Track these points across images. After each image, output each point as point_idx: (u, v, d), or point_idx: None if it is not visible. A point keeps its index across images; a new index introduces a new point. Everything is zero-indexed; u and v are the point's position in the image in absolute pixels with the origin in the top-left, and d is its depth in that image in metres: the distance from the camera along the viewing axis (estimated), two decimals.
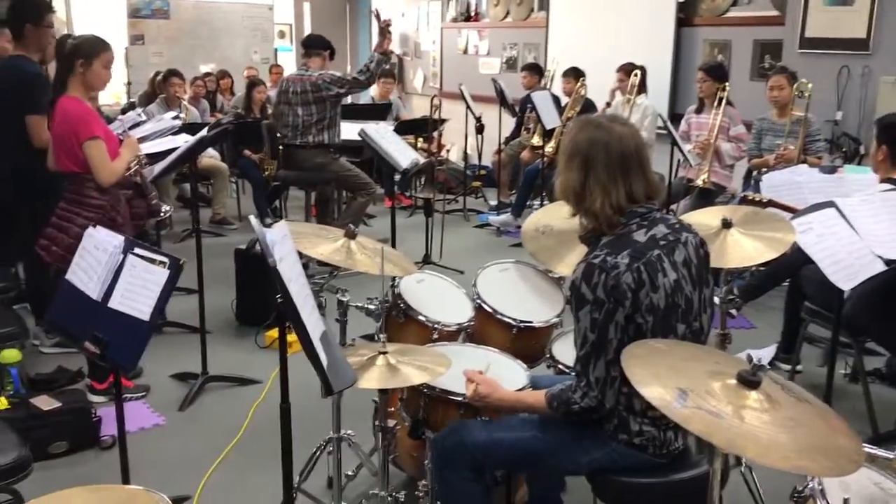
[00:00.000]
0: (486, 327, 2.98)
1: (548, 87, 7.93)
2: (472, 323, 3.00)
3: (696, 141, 5.65)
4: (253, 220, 2.06)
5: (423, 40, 11.27)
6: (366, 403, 3.25)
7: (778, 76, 5.28)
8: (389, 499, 2.50)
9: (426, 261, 5.97)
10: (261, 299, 4.75)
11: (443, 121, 8.18)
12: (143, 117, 5.21)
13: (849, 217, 3.00)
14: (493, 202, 8.05)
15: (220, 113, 8.37)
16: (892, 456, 1.71)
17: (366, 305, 2.82)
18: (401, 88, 10.93)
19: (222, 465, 3.31)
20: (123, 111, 7.22)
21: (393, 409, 2.65)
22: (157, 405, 3.83)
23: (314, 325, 1.92)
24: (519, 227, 7.05)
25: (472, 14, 10.26)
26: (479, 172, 8.84)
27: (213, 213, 7.32)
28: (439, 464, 2.33)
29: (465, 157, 8.50)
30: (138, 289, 2.32)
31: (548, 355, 2.87)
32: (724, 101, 5.53)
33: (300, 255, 2.21)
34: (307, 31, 11.50)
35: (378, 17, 5.86)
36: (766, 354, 4.00)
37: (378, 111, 7.96)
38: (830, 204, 3.05)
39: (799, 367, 4.09)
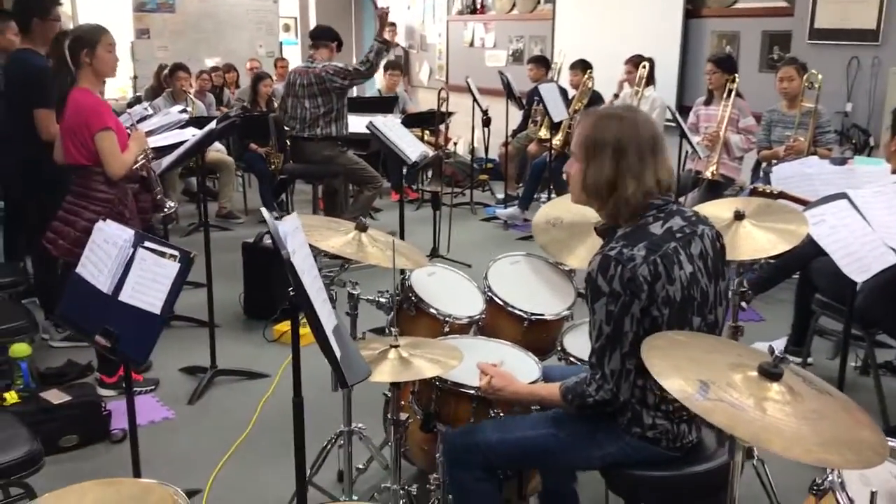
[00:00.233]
0: (497, 320, 2.97)
1: (555, 79, 7.90)
2: (483, 316, 2.98)
3: (705, 133, 5.63)
4: (265, 212, 2.05)
5: (429, 33, 11.24)
6: (376, 397, 3.25)
7: (788, 67, 5.25)
8: (402, 492, 2.49)
9: (434, 254, 5.95)
10: (269, 293, 4.75)
11: (450, 114, 8.16)
12: (150, 111, 5.21)
13: (861, 209, 2.98)
14: (501, 195, 8.03)
15: (227, 107, 8.36)
16: None
17: (377, 298, 2.81)
18: (406, 81, 10.90)
19: (232, 459, 3.31)
20: (130, 105, 7.21)
21: (404, 402, 2.64)
22: (166, 399, 3.83)
23: (327, 317, 1.91)
24: (526, 220, 7.05)
25: (478, 6, 10.23)
26: (486, 165, 8.82)
27: (219, 206, 7.32)
28: (451, 464, 2.32)
29: (472, 150, 8.48)
30: (149, 282, 2.31)
31: (559, 348, 2.86)
32: (733, 93, 5.50)
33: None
34: (312, 24, 11.46)
35: (376, 5, 5.83)
36: (776, 347, 3.98)
37: (384, 104, 7.94)
38: (843, 195, 3.03)
39: (809, 360, 4.08)
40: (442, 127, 8.17)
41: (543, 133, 7.34)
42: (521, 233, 6.93)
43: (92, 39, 3.48)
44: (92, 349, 3.89)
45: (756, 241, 2.79)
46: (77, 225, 3.48)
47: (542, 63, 7.95)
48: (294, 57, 11.85)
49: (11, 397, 3.29)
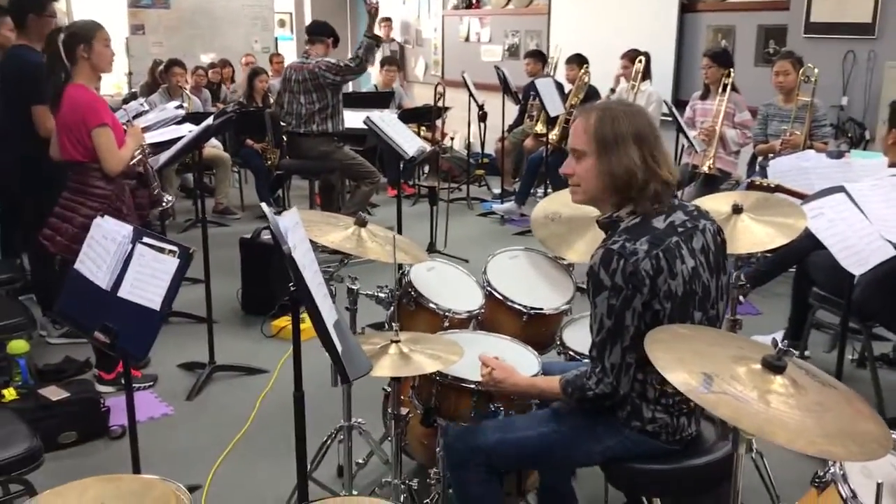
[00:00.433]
0: (496, 314, 2.97)
1: (551, 74, 7.90)
2: (482, 310, 2.99)
3: (701, 127, 5.63)
4: (265, 207, 2.04)
5: (425, 28, 11.22)
6: (375, 392, 3.25)
7: (783, 61, 5.25)
8: (402, 487, 2.49)
9: (431, 249, 5.96)
10: (266, 289, 4.75)
11: (446, 109, 8.15)
12: (146, 107, 5.20)
13: (859, 202, 2.98)
14: (497, 190, 8.03)
15: (223, 103, 8.35)
16: None
17: (376, 293, 2.81)
18: (402, 77, 10.88)
19: (231, 455, 3.31)
20: (125, 101, 7.19)
21: (404, 397, 2.64)
22: (164, 395, 3.82)
23: (328, 312, 1.91)
24: (523, 215, 7.05)
25: (474, 1, 10.22)
26: (482, 161, 8.82)
27: (215, 202, 7.31)
28: (454, 466, 2.32)
29: (469, 145, 8.48)
30: (148, 278, 2.31)
31: (558, 342, 2.86)
32: (728, 87, 5.50)
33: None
34: (308, 19, 11.44)
35: (366, 0, 5.81)
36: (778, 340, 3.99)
37: (381, 99, 7.93)
38: (840, 189, 3.03)
39: (807, 353, 4.09)
40: (438, 122, 8.16)
41: (540, 128, 7.35)
42: (517, 228, 6.93)
43: (88, 34, 3.46)
44: (89, 346, 3.89)
45: (754, 234, 2.79)
46: (74, 221, 3.47)
47: (539, 57, 7.95)
48: (290, 52, 11.83)
49: (10, 394, 3.29)
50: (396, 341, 2.28)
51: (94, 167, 3.50)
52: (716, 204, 2.92)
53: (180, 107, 5.47)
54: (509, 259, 3.22)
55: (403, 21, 11.61)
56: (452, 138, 9.36)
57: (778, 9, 6.39)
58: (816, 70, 5.10)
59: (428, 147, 5.49)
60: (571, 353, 2.74)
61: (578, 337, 2.80)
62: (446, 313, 2.88)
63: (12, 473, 2.41)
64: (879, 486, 1.24)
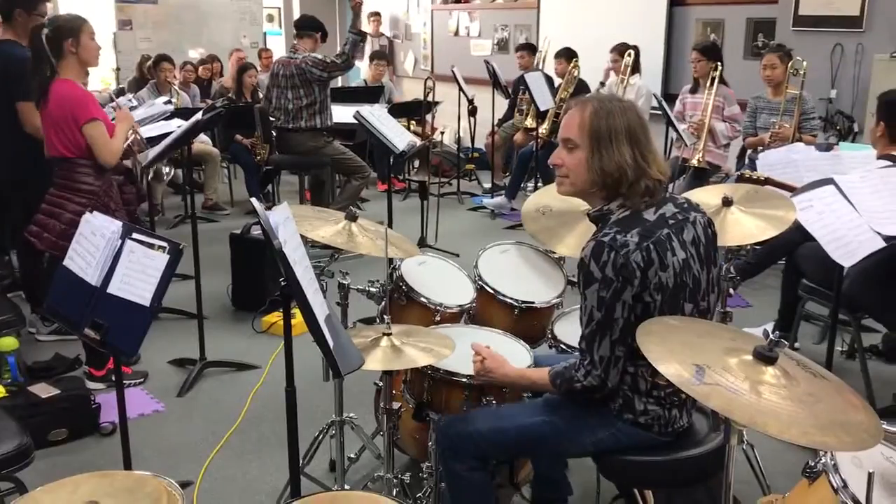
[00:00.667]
0: (488, 308, 2.97)
1: (540, 67, 7.89)
2: (473, 304, 2.98)
3: (691, 121, 5.65)
4: (255, 202, 2.04)
5: (414, 22, 11.20)
6: (367, 387, 3.25)
7: (771, 55, 5.27)
8: (395, 481, 2.49)
9: (422, 244, 5.95)
10: (257, 284, 4.73)
11: (436, 103, 8.14)
12: (135, 102, 5.18)
13: (848, 194, 3.00)
14: (487, 185, 8.03)
15: (214, 98, 8.31)
16: None
17: (367, 288, 2.80)
18: (392, 71, 10.86)
19: (223, 451, 3.30)
20: (117, 95, 7.15)
21: (396, 391, 2.64)
22: (155, 391, 3.81)
23: (319, 307, 1.90)
24: (513, 209, 7.05)
25: None
26: (472, 155, 8.81)
27: (204, 198, 7.28)
28: (445, 454, 2.32)
29: (459, 139, 8.47)
30: (138, 274, 2.29)
31: (549, 335, 2.86)
32: (717, 81, 5.51)
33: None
34: (296, 14, 11.39)
35: None
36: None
37: (370, 94, 7.91)
38: (829, 181, 3.04)
39: (797, 345, 4.11)
40: (428, 117, 8.15)
41: (530, 122, 7.34)
42: (508, 222, 6.93)
43: (74, 28, 3.44)
44: (79, 342, 3.87)
45: (744, 227, 2.80)
46: (62, 217, 3.45)
47: (532, 51, 7.95)
48: (278, 48, 11.78)
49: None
50: (388, 334, 2.28)
51: (81, 163, 3.47)
52: (705, 197, 2.93)
53: (169, 102, 5.45)
54: (500, 253, 3.22)
55: (392, 16, 11.59)
56: (442, 133, 9.34)
57: (766, 2, 6.40)
58: (805, 63, 5.11)
59: (418, 142, 5.48)
60: (563, 346, 2.74)
61: (570, 330, 2.79)
62: (437, 307, 2.88)
63: (2, 471, 2.40)
64: (871, 475, 1.25)
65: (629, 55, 6.53)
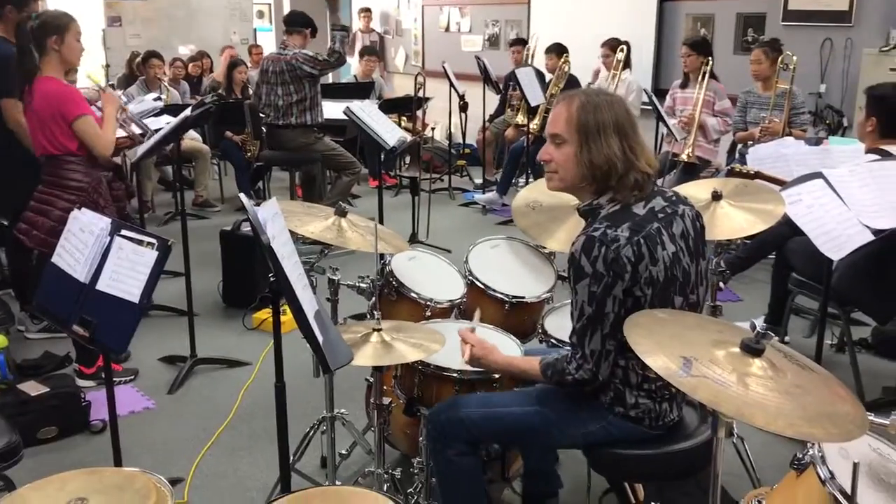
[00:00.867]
0: (478, 303, 2.96)
1: (530, 62, 7.89)
2: (464, 299, 2.99)
3: (681, 116, 5.66)
4: (244, 198, 2.03)
5: (405, 18, 11.17)
6: (358, 383, 3.25)
7: (757, 50, 5.32)
8: (385, 476, 2.49)
9: (413, 240, 5.95)
10: (248, 281, 4.72)
11: (426, 99, 8.14)
12: (125, 99, 5.13)
13: (837, 188, 3.01)
14: (479, 180, 8.02)
15: (203, 95, 8.28)
16: (888, 422, 1.71)
17: (357, 284, 2.80)
18: (382, 67, 10.84)
19: (214, 447, 3.29)
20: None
21: (387, 386, 2.64)
22: (146, 389, 3.80)
23: (308, 303, 1.90)
24: (505, 204, 7.05)
25: None
26: (463, 151, 8.81)
27: (195, 195, 7.25)
28: (435, 437, 2.32)
29: (450, 135, 8.46)
30: (126, 270, 2.29)
31: (540, 330, 2.87)
32: (708, 76, 5.52)
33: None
34: (286, 10, 11.35)
35: None
36: (757, 324, 4.03)
37: (361, 90, 7.89)
38: (818, 175, 3.05)
39: (786, 339, 4.12)
40: (419, 112, 8.14)
41: (521, 119, 7.33)
42: (499, 217, 6.93)
43: (60, 26, 3.41)
44: (69, 340, 3.85)
45: (734, 220, 2.81)
46: (51, 215, 3.44)
47: (525, 46, 7.94)
48: (268, 44, 11.74)
49: None
50: (378, 330, 2.28)
51: (69, 160, 3.46)
52: (695, 191, 2.93)
53: (158, 99, 5.43)
54: (491, 248, 3.22)
55: (383, 12, 11.56)
56: (433, 129, 9.35)
57: None
58: (794, 58, 5.13)
59: (409, 137, 5.47)
60: (553, 340, 2.75)
61: (560, 325, 2.80)
62: (428, 303, 2.88)
63: None
64: (856, 465, 1.25)
65: (621, 50, 6.52)
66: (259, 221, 1.84)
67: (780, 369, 1.45)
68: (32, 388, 3.32)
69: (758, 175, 3.38)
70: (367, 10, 10.76)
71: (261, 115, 6.11)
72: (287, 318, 1.98)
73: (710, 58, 5.58)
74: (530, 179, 6.97)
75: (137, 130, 3.99)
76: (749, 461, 2.91)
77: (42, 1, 4.34)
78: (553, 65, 7.23)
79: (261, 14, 12.44)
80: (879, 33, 5.63)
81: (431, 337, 2.34)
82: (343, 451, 2.99)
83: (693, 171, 5.49)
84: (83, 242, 2.36)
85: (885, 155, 3.38)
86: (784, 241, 3.98)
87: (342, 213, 2.74)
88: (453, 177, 8.13)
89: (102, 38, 10.10)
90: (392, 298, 2.93)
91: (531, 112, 7.01)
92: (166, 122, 4.25)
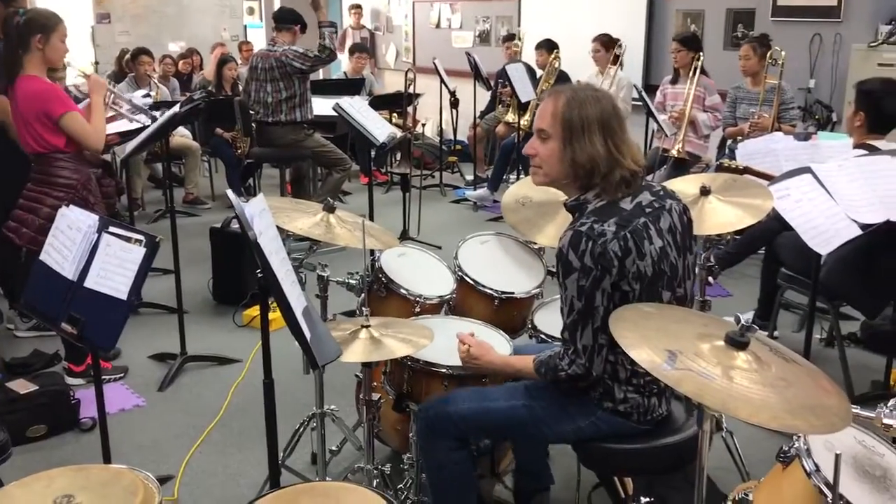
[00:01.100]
0: (468, 299, 2.97)
1: (519, 58, 7.89)
2: (454, 295, 2.99)
3: (672, 111, 5.67)
4: (230, 193, 2.03)
5: (395, 15, 11.16)
6: (348, 379, 3.25)
7: (745, 45, 5.33)
8: (375, 472, 2.50)
9: (404, 236, 5.95)
10: (238, 278, 4.71)
11: (417, 95, 8.12)
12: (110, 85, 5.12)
13: (825, 182, 3.02)
14: (470, 177, 8.02)
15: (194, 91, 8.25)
16: (873, 415, 1.73)
17: (347, 280, 2.79)
18: (373, 64, 10.83)
19: (204, 445, 3.29)
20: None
21: (376, 383, 2.64)
22: (136, 386, 3.79)
23: (296, 299, 1.90)
24: (496, 201, 7.05)
25: None
26: (454, 147, 8.81)
27: (185, 192, 7.23)
28: (425, 433, 2.33)
29: (441, 132, 8.46)
30: (114, 268, 2.28)
31: (530, 325, 2.87)
32: (698, 71, 5.53)
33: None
34: (276, 7, 11.32)
35: None
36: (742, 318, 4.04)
37: (351, 86, 7.87)
38: (807, 170, 3.07)
39: (776, 333, 4.14)
40: (410, 109, 8.13)
41: (511, 117, 7.32)
42: (491, 214, 6.93)
43: (47, 25, 3.39)
44: (58, 339, 3.84)
45: (722, 215, 2.82)
46: (40, 212, 3.42)
47: (514, 42, 7.94)
48: (259, 41, 11.70)
49: None
50: (366, 326, 2.28)
51: (57, 157, 3.44)
52: (684, 186, 2.94)
53: (147, 96, 5.41)
54: (480, 244, 3.22)
55: (374, 8, 11.54)
56: (424, 125, 9.34)
57: None
58: (784, 53, 5.14)
59: (398, 133, 5.47)
60: (543, 335, 2.75)
61: (550, 320, 2.81)
62: (417, 299, 2.88)
63: None
64: (837, 457, 1.26)
65: (619, 48, 6.53)
66: (246, 217, 1.84)
67: (764, 362, 1.46)
68: (21, 386, 3.31)
69: (747, 170, 3.39)
70: (358, 6, 10.74)
71: (251, 111, 6.09)
72: (277, 315, 1.98)
73: (700, 53, 5.58)
74: (521, 176, 6.97)
75: (132, 111, 3.96)
76: (738, 455, 2.92)
77: None
78: (543, 61, 7.23)
79: (251, 11, 12.40)
80: (868, 28, 5.65)
81: (420, 332, 2.34)
82: (333, 448, 2.99)
83: (683, 166, 5.49)
84: (71, 240, 2.35)
85: (873, 150, 3.40)
86: (773, 236, 4.00)
87: (330, 209, 2.73)
88: (444, 173, 8.13)
89: (91, 35, 10.05)
90: (381, 295, 2.92)
91: (522, 108, 7.01)
92: (153, 117, 4.23)
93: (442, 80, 7.79)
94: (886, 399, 1.79)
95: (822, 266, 3.31)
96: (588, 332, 2.01)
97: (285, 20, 5.89)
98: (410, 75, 7.47)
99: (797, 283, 3.73)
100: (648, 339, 1.51)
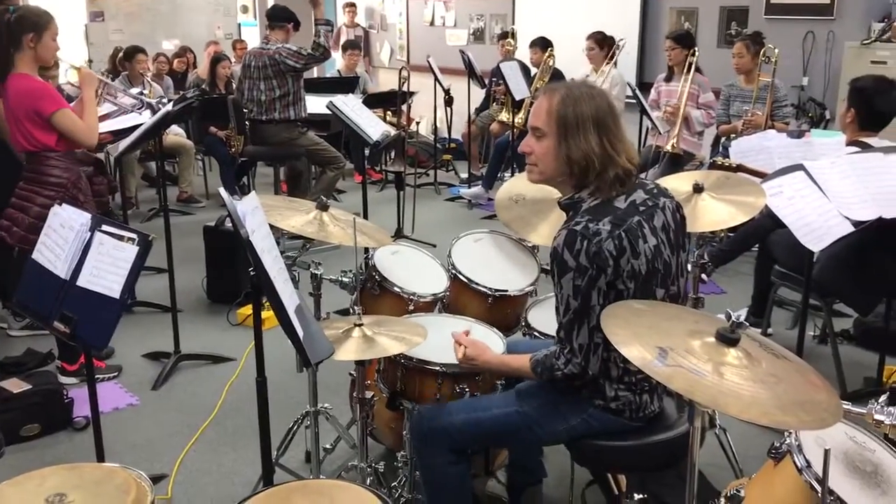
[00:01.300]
0: (461, 297, 2.97)
1: (513, 56, 7.89)
2: (447, 293, 2.99)
3: (666, 106, 5.67)
4: (223, 191, 2.02)
5: (390, 13, 11.15)
6: (342, 377, 3.25)
7: (738, 43, 5.34)
8: (369, 470, 2.50)
9: (398, 235, 5.94)
10: (232, 277, 4.71)
11: (411, 94, 8.12)
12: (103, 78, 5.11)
13: (818, 180, 3.03)
14: (464, 175, 8.02)
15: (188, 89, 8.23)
16: (864, 411, 1.73)
17: (340, 278, 2.79)
18: (367, 62, 10.81)
19: (198, 443, 3.29)
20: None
21: (370, 381, 2.64)
22: (129, 385, 3.78)
23: (289, 297, 1.89)
24: (490, 199, 7.05)
25: None
26: (449, 145, 8.80)
27: (179, 191, 7.22)
28: (421, 449, 2.33)
29: (435, 130, 8.46)
30: (107, 266, 2.28)
31: (523, 323, 2.87)
32: (692, 68, 5.54)
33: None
34: (270, 4, 11.29)
35: None
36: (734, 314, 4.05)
37: (345, 84, 7.86)
38: (800, 167, 3.08)
39: (769, 331, 4.15)
40: (404, 107, 8.12)
41: (505, 116, 7.32)
42: (485, 212, 6.94)
43: (39, 24, 3.37)
44: (52, 337, 3.83)
45: (715, 213, 2.82)
46: (31, 211, 3.41)
47: (513, 39, 7.94)
48: (253, 39, 11.67)
49: None
50: (359, 325, 2.28)
51: (48, 155, 3.43)
52: (677, 183, 2.94)
53: (141, 94, 5.39)
54: (474, 242, 3.22)
55: (368, 6, 11.52)
56: (418, 123, 9.33)
57: None
58: (777, 51, 5.15)
59: (392, 131, 5.46)
60: (536, 333, 2.76)
61: (543, 318, 2.81)
62: (411, 297, 2.88)
63: None
64: (826, 452, 1.26)
65: (618, 47, 6.53)
66: (238, 215, 1.84)
67: (755, 359, 1.46)
68: (15, 385, 3.31)
69: (740, 168, 3.40)
70: (352, 4, 10.72)
71: (244, 110, 6.08)
72: (270, 313, 1.98)
73: (694, 51, 5.59)
74: (516, 174, 6.96)
75: (128, 101, 3.94)
76: (731, 452, 2.92)
77: None
78: (538, 59, 7.23)
79: (245, 9, 12.36)
80: (861, 26, 5.67)
81: (413, 330, 2.34)
82: (327, 446, 2.99)
83: (678, 163, 5.50)
84: (63, 238, 2.35)
85: (865, 147, 3.41)
86: (767, 233, 4.01)
87: (324, 208, 2.73)
88: (439, 171, 8.13)
89: (85, 34, 10.02)
90: (375, 293, 2.92)
91: (516, 106, 7.01)
92: (144, 114, 4.22)
93: (436, 78, 7.78)
94: (879, 395, 1.80)
95: (815, 263, 3.32)
96: (584, 331, 2.01)
97: (279, 18, 5.88)
98: (404, 73, 7.46)
99: (790, 280, 3.74)
100: (639, 336, 1.51)
